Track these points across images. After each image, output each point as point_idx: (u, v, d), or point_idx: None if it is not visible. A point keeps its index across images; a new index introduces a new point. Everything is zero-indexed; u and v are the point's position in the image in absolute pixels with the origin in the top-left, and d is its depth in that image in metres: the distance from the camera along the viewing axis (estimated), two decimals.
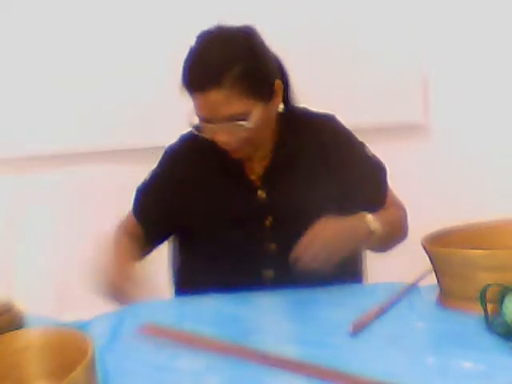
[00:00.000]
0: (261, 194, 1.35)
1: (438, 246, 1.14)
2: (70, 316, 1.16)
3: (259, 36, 1.32)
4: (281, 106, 1.34)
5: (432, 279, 1.18)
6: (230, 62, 1.20)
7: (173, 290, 1.51)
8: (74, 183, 2.36)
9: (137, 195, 1.46)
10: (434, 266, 1.15)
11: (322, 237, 1.19)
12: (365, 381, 0.83)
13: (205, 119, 1.24)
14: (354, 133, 1.45)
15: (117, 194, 2.31)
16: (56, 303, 2.25)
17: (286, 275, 1.27)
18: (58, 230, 2.35)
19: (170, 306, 1.27)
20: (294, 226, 1.27)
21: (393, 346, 0.95)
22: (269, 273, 1.34)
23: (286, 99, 1.38)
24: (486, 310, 0.99)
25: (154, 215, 1.42)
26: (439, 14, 2.37)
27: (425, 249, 1.14)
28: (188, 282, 1.44)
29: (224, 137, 1.24)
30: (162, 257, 1.52)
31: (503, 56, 2.42)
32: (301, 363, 0.89)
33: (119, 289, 1.17)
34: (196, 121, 1.27)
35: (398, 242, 1.44)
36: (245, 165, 1.36)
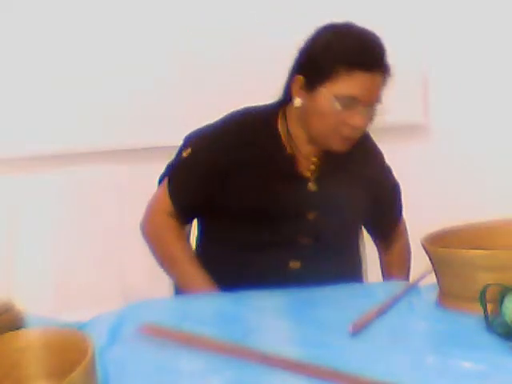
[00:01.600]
0: (311, 186, 1.37)
1: (438, 246, 1.14)
2: (70, 316, 1.16)
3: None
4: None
5: (432, 279, 1.18)
6: (384, 55, 1.30)
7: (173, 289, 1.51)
8: (74, 183, 2.36)
9: (176, 175, 1.42)
10: (433, 266, 1.14)
11: None
12: (365, 381, 0.83)
13: (358, 100, 1.27)
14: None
15: (117, 194, 2.31)
16: (56, 303, 2.25)
17: (312, 268, 1.32)
18: (58, 230, 2.35)
19: (170, 306, 1.27)
20: (333, 223, 1.36)
21: (393, 346, 0.95)
22: (296, 264, 1.36)
23: None
24: (485, 310, 0.99)
25: (195, 200, 1.40)
26: (439, 14, 2.37)
27: (425, 249, 1.14)
28: (209, 270, 1.41)
29: (364, 120, 1.30)
30: None
31: (503, 56, 2.42)
32: (301, 363, 0.89)
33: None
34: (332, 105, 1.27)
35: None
36: (298, 156, 1.38)
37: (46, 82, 2.29)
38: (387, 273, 1.56)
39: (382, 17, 2.34)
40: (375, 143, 1.52)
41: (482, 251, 1.06)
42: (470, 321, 1.00)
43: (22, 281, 2.23)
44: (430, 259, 1.15)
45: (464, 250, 1.08)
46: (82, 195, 2.36)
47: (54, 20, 2.27)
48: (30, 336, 0.87)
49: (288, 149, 1.36)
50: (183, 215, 1.42)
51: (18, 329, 0.95)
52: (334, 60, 1.25)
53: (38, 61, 2.28)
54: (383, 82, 1.29)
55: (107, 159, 2.35)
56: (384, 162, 1.52)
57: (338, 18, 2.20)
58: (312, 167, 1.38)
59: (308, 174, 1.38)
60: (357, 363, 0.89)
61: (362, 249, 1.54)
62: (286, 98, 1.37)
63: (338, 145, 1.32)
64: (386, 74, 1.29)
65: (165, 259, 1.40)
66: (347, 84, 1.25)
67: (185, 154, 1.40)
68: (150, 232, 1.42)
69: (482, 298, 0.99)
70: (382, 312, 1.09)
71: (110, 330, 1.09)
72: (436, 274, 1.15)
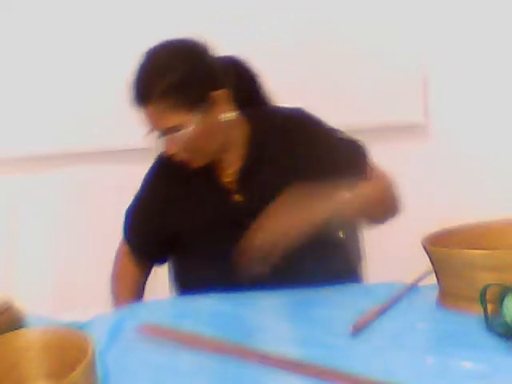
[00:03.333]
0: (237, 198, 1.36)
1: (438, 245, 1.14)
2: (70, 316, 1.16)
3: (201, 46, 1.34)
4: (231, 114, 1.33)
5: (432, 279, 1.18)
6: (158, 77, 1.26)
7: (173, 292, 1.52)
8: (74, 183, 2.36)
9: (128, 222, 1.49)
10: (433, 265, 1.14)
11: (269, 232, 1.21)
12: (365, 381, 0.83)
13: (151, 131, 1.31)
14: (323, 123, 1.42)
15: (117, 194, 2.31)
16: (56, 303, 2.25)
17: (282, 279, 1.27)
18: (58, 230, 2.35)
19: (170, 306, 1.27)
20: None
21: (393, 346, 0.95)
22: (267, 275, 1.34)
23: (255, 101, 1.41)
24: (485, 310, 0.99)
25: (147, 240, 1.46)
26: (439, 14, 2.37)
27: (425, 249, 1.14)
28: (186, 288, 1.45)
29: (170, 147, 1.30)
30: None
31: (503, 56, 2.42)
32: (301, 363, 0.89)
33: None
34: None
35: (391, 213, 1.42)
36: (217, 171, 1.38)
37: (46, 81, 2.29)
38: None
39: (382, 17, 2.34)
40: (308, 120, 1.41)
41: (482, 251, 1.06)
42: (470, 321, 1.00)
43: (22, 281, 2.23)
44: (430, 259, 1.15)
45: (464, 250, 1.08)
46: (82, 195, 2.36)
47: (53, 20, 2.27)
48: (30, 336, 0.87)
49: (210, 167, 1.38)
50: (139, 256, 1.48)
51: (17, 329, 0.95)
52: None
53: (38, 61, 2.28)
54: (162, 110, 1.26)
55: (107, 159, 2.35)
56: (320, 133, 1.39)
57: (338, 18, 2.19)
58: (230, 179, 1.37)
59: (229, 182, 1.37)
60: (357, 363, 0.89)
61: (348, 242, 1.49)
62: None
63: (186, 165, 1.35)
64: (161, 102, 1.25)
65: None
66: (145, 115, 1.31)
67: (131, 203, 1.49)
68: (112, 273, 1.54)
69: (482, 298, 0.99)
70: (381, 312, 1.09)
71: (110, 330, 1.09)
72: (436, 274, 1.15)
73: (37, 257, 2.35)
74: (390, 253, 1.90)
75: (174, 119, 1.26)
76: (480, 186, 2.36)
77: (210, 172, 1.38)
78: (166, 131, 1.27)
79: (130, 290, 1.49)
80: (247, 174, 1.37)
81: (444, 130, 2.44)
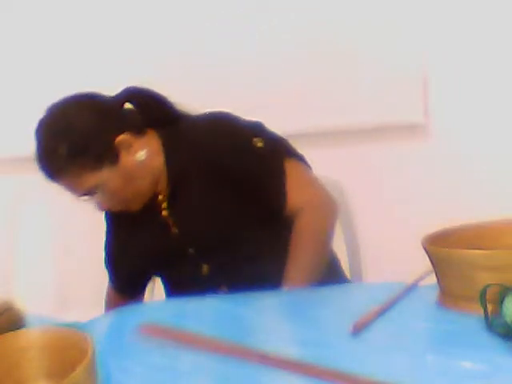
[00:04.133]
0: (174, 230, 1.36)
1: (438, 245, 1.14)
2: (69, 316, 1.16)
3: (89, 98, 1.32)
4: (141, 153, 1.31)
5: (432, 279, 1.18)
6: (53, 154, 1.26)
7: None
8: None
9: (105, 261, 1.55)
10: (433, 265, 1.14)
11: None
12: (365, 381, 0.83)
13: (76, 196, 1.33)
14: (237, 123, 1.36)
15: None
16: (56, 303, 2.25)
17: (238, 291, 1.26)
18: (58, 230, 2.35)
19: (170, 306, 1.27)
20: (215, 246, 1.33)
21: (393, 346, 0.95)
22: (224, 288, 1.35)
23: (169, 122, 1.36)
24: (485, 311, 0.99)
25: (122, 274, 1.51)
26: (439, 14, 2.37)
27: (425, 249, 1.14)
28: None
29: (100, 205, 1.33)
30: None
31: (503, 56, 2.42)
32: (301, 363, 0.89)
33: None
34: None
35: (332, 224, 1.35)
36: (155, 204, 1.37)
37: (46, 81, 2.29)
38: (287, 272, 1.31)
39: (382, 17, 2.34)
40: (220, 129, 1.35)
41: (482, 251, 1.06)
42: (470, 321, 1.00)
43: (22, 281, 2.23)
44: (430, 259, 1.15)
45: (464, 250, 1.08)
46: None
47: (53, 20, 2.27)
48: (30, 336, 0.87)
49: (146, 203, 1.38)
50: (119, 287, 1.55)
51: (18, 329, 0.95)
52: None
53: (38, 61, 2.28)
54: (70, 180, 1.29)
55: None
56: (235, 149, 1.33)
57: (339, 18, 2.19)
58: (165, 212, 1.37)
59: (168, 218, 1.37)
60: (357, 363, 0.89)
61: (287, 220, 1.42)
62: None
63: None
64: (66, 173, 1.28)
65: None
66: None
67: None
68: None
69: (482, 298, 0.99)
70: (381, 312, 1.09)
71: (110, 330, 1.09)
72: (436, 274, 1.15)
73: (37, 257, 2.35)
74: (390, 253, 1.90)
75: (88, 182, 1.27)
76: (480, 186, 2.36)
77: (149, 207, 1.36)
78: (87, 193, 1.29)
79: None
80: (174, 202, 1.35)
81: (444, 130, 2.44)
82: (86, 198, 1.31)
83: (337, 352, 0.94)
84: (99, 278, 2.33)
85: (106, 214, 1.48)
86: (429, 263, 1.16)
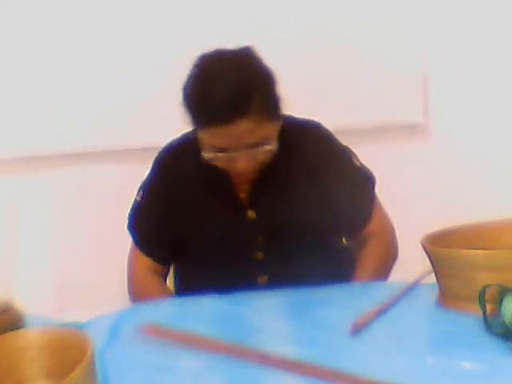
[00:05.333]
0: (250, 214, 1.35)
1: (438, 245, 1.14)
2: (70, 316, 1.16)
3: (258, 54, 1.29)
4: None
5: (432, 279, 1.18)
6: (252, 89, 1.17)
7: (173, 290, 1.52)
8: (74, 183, 2.36)
9: (135, 225, 1.44)
10: (433, 265, 1.14)
11: None
12: (365, 381, 0.83)
13: (226, 149, 1.20)
14: (338, 141, 1.42)
15: (117, 194, 2.31)
16: (56, 303, 2.25)
17: (278, 282, 1.28)
18: (58, 230, 2.35)
19: (170, 306, 1.27)
20: (284, 241, 1.33)
21: (393, 346, 0.95)
22: (263, 279, 1.35)
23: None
24: (484, 311, 0.99)
25: (164, 242, 1.41)
26: (439, 14, 2.37)
27: (425, 249, 1.14)
28: (185, 286, 1.46)
29: (245, 163, 1.21)
30: None
31: (503, 56, 2.41)
32: (301, 363, 0.89)
33: None
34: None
35: (391, 266, 1.45)
36: (232, 183, 1.35)
37: (47, 81, 2.29)
38: (356, 272, 1.41)
39: (382, 17, 2.34)
40: (326, 139, 1.41)
41: (482, 251, 1.06)
42: (470, 321, 1.00)
43: (22, 281, 2.23)
44: (430, 259, 1.15)
45: (464, 250, 1.08)
46: (82, 195, 2.36)
47: (54, 20, 2.27)
48: (30, 336, 0.87)
49: (223, 176, 1.33)
50: (161, 261, 1.43)
51: (17, 329, 0.95)
52: (192, 114, 1.22)
53: (38, 61, 2.28)
54: (257, 124, 1.17)
55: (107, 159, 2.35)
56: (338, 158, 1.40)
57: (339, 18, 2.19)
58: (244, 195, 1.35)
59: (243, 196, 1.35)
60: (356, 363, 0.89)
61: (344, 248, 1.51)
62: None
63: (233, 177, 1.31)
64: (257, 115, 1.17)
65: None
66: (211, 136, 1.20)
67: (138, 199, 1.42)
68: (135, 293, 1.42)
69: (481, 299, 0.99)
70: (381, 312, 1.09)
71: (110, 330, 1.09)
72: (436, 274, 1.15)
73: (37, 257, 2.35)
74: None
75: (264, 132, 1.19)
76: (480, 186, 2.36)
77: (225, 184, 1.34)
78: (254, 145, 1.19)
79: (158, 287, 1.41)
80: (259, 188, 1.34)
81: (444, 130, 2.43)
82: (239, 152, 1.19)
83: (337, 352, 0.94)
84: (99, 278, 2.33)
85: (159, 174, 1.41)
86: (429, 263, 1.16)
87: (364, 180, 1.43)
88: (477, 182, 2.36)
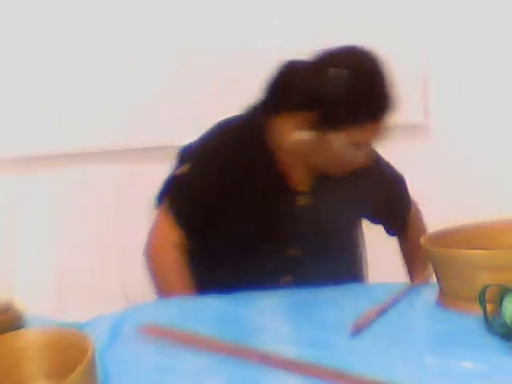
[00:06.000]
0: (302, 200, 1.37)
1: (438, 246, 1.14)
2: (70, 316, 1.16)
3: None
4: None
5: (432, 279, 1.18)
6: (392, 90, 1.30)
7: None
8: (74, 183, 2.37)
9: (179, 193, 1.39)
10: (433, 265, 1.14)
11: None
12: (365, 381, 0.83)
13: (368, 143, 1.30)
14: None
15: (117, 194, 2.31)
16: (56, 303, 2.25)
17: (303, 278, 1.29)
18: (58, 230, 2.35)
19: (170, 306, 1.27)
20: (326, 237, 1.35)
21: (393, 346, 0.95)
22: (287, 278, 1.36)
23: None
24: (485, 311, 0.99)
25: (201, 217, 1.37)
26: (439, 14, 2.37)
27: (425, 249, 1.14)
28: (202, 281, 1.41)
29: (366, 157, 1.32)
30: None
31: (503, 56, 2.42)
32: (301, 363, 0.89)
33: None
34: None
35: None
36: (287, 173, 1.37)
37: (47, 82, 2.29)
38: (406, 259, 1.58)
39: (382, 17, 2.34)
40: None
41: (482, 251, 1.06)
42: (470, 321, 1.00)
43: (22, 281, 2.23)
44: (430, 259, 1.15)
45: (464, 250, 1.08)
46: (82, 195, 2.36)
47: (54, 20, 2.27)
48: (30, 336, 0.87)
49: (278, 163, 1.36)
50: (191, 234, 1.37)
51: (18, 329, 0.95)
52: (362, 111, 1.26)
53: (39, 61, 2.28)
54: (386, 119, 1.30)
55: (107, 159, 2.35)
56: (382, 163, 1.51)
57: (339, 18, 2.19)
58: (304, 182, 1.37)
59: (300, 188, 1.37)
60: (357, 363, 0.89)
61: (361, 249, 1.54)
62: (274, 109, 1.35)
63: (337, 174, 1.34)
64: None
65: (164, 294, 1.37)
66: (369, 131, 1.28)
67: (184, 170, 1.38)
68: (155, 267, 1.38)
69: (481, 299, 0.99)
70: (382, 312, 1.09)
71: (110, 330, 1.08)
72: (436, 274, 1.15)
73: (37, 257, 2.35)
74: (390, 253, 1.89)
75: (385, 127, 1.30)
76: (480, 186, 2.36)
77: (279, 171, 1.36)
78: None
79: (184, 265, 1.36)
80: (318, 181, 1.37)
81: (444, 130, 2.44)
82: (361, 147, 1.29)
83: (337, 352, 0.94)
84: (99, 278, 2.33)
85: (221, 146, 1.38)
86: (429, 263, 1.16)
87: (397, 175, 1.54)
88: (477, 182, 2.36)
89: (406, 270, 1.56)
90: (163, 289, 1.37)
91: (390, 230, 1.58)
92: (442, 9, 2.37)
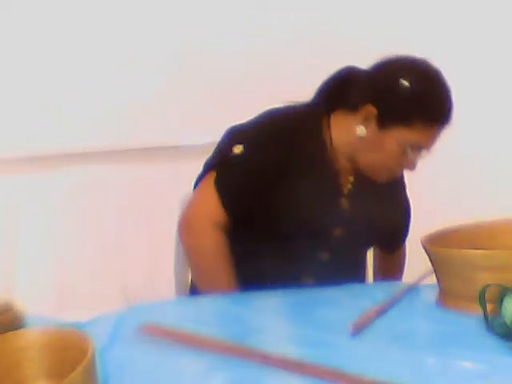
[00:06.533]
0: (344, 203, 1.37)
1: (438, 246, 1.14)
2: (70, 316, 1.16)
3: None
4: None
5: (432, 279, 1.18)
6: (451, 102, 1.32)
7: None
8: (74, 183, 2.36)
9: (228, 173, 1.34)
10: (433, 265, 1.15)
11: None
12: (365, 381, 0.83)
13: (420, 147, 1.33)
14: None
15: (117, 194, 2.31)
16: (56, 303, 2.25)
17: (323, 282, 1.30)
18: (58, 230, 2.35)
19: (170, 306, 1.27)
20: (355, 242, 1.38)
21: (393, 346, 0.95)
22: (308, 280, 1.36)
23: None
24: (485, 311, 0.99)
25: (249, 201, 1.33)
26: (440, 15, 2.37)
27: (425, 249, 1.14)
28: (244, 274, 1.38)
29: (412, 164, 1.35)
30: (163, 256, 1.51)
31: (503, 56, 2.42)
32: (301, 363, 0.89)
33: None
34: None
35: None
36: (338, 173, 1.38)
37: (47, 82, 2.29)
38: (381, 276, 1.62)
39: (382, 17, 2.34)
40: None
41: (482, 251, 1.06)
42: (470, 321, 1.00)
43: (21, 281, 2.23)
44: (430, 259, 1.15)
45: (464, 250, 1.08)
46: (82, 195, 2.36)
47: (54, 20, 2.27)
48: (30, 336, 0.87)
49: (332, 161, 1.37)
50: (233, 216, 1.32)
51: (17, 329, 0.95)
52: (417, 112, 1.28)
53: (39, 61, 2.28)
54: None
55: (107, 159, 2.35)
56: (404, 184, 1.56)
57: (339, 18, 2.19)
58: (348, 185, 1.39)
59: (344, 190, 1.38)
60: (357, 363, 0.89)
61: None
62: (331, 106, 1.38)
63: (382, 178, 1.37)
64: None
65: (204, 275, 1.35)
66: (422, 134, 1.30)
67: (237, 151, 1.32)
68: (192, 246, 1.33)
69: (481, 299, 0.99)
70: (382, 312, 1.09)
71: (110, 330, 1.08)
72: (436, 274, 1.15)
73: (37, 257, 2.35)
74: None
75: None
76: (480, 186, 2.36)
77: (332, 169, 1.37)
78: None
79: (226, 255, 1.32)
80: (361, 185, 1.39)
81: (444, 130, 2.43)
82: (419, 152, 1.34)
83: (337, 352, 0.94)
84: (99, 278, 2.33)
85: (284, 141, 1.35)
86: (429, 263, 1.16)
87: (409, 202, 1.57)
88: (477, 182, 2.36)
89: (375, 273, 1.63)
90: (204, 276, 1.33)
91: (378, 248, 1.61)
92: (442, 9, 2.37)
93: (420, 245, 1.15)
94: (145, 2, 2.29)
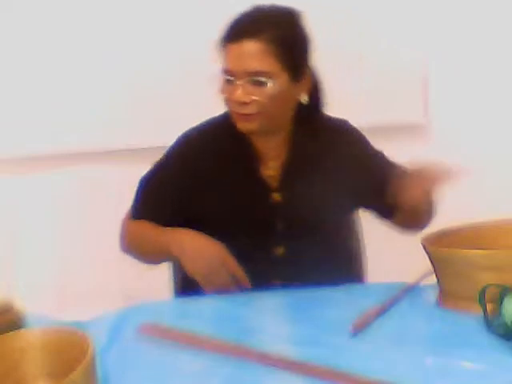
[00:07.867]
0: (276, 197, 1.35)
1: (438, 246, 1.14)
2: (70, 316, 1.16)
3: (304, 23, 1.35)
4: (305, 98, 1.34)
5: (432, 279, 1.18)
6: (270, 24, 1.25)
7: (172, 290, 1.51)
8: (74, 183, 2.36)
9: (143, 190, 1.42)
10: (434, 265, 1.14)
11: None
12: (365, 381, 0.83)
13: (231, 72, 1.26)
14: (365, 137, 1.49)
15: (117, 193, 2.31)
16: (56, 303, 2.25)
17: (293, 280, 1.28)
18: (58, 230, 2.35)
19: (170, 306, 1.27)
20: (305, 231, 1.32)
21: (393, 346, 0.95)
22: (275, 278, 1.34)
23: (315, 103, 1.40)
24: (485, 311, 0.99)
25: (165, 213, 1.36)
26: (439, 14, 2.37)
27: (425, 249, 1.14)
28: (189, 281, 1.42)
29: (243, 95, 1.25)
30: None
31: (503, 56, 2.41)
32: (301, 363, 0.89)
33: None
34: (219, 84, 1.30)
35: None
36: (261, 163, 1.35)
37: (46, 81, 2.29)
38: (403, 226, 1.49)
39: (382, 17, 2.34)
40: (354, 131, 1.48)
41: (482, 251, 1.06)
42: (470, 321, 1.00)
43: (22, 281, 2.22)
44: (430, 259, 1.15)
45: (464, 250, 1.08)
46: (82, 195, 2.36)
47: (54, 20, 2.27)
48: (30, 336, 0.87)
49: (252, 161, 1.35)
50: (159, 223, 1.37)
51: (17, 329, 0.95)
52: (220, 37, 1.29)
53: (38, 61, 2.28)
54: (260, 51, 1.23)
55: (107, 159, 2.35)
56: (366, 144, 1.48)
57: (339, 18, 2.18)
58: (276, 178, 1.35)
59: (273, 184, 1.35)
60: (357, 363, 0.89)
61: (357, 248, 1.52)
62: None
63: (238, 123, 1.30)
64: (263, 43, 1.23)
65: (139, 247, 1.40)
66: (224, 58, 1.28)
67: (157, 160, 1.42)
68: (124, 239, 1.43)
69: (482, 299, 0.99)
70: (382, 312, 1.09)
71: (110, 330, 1.09)
72: (436, 274, 1.15)
73: (37, 257, 2.35)
74: (390, 253, 1.89)
75: (267, 64, 1.24)
76: (480, 186, 2.36)
77: (250, 160, 1.35)
78: (253, 73, 1.24)
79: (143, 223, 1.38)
80: (290, 173, 1.35)
81: (444, 130, 2.43)
82: (240, 79, 1.25)
83: (337, 352, 0.94)
84: (99, 278, 2.33)
85: (183, 144, 1.40)
86: (429, 263, 1.16)
87: (380, 158, 1.48)
88: (477, 182, 2.36)
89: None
90: (145, 247, 1.38)
91: (379, 214, 1.50)
92: (442, 9, 2.37)
93: (420, 245, 1.15)
94: (145, 2, 2.29)
